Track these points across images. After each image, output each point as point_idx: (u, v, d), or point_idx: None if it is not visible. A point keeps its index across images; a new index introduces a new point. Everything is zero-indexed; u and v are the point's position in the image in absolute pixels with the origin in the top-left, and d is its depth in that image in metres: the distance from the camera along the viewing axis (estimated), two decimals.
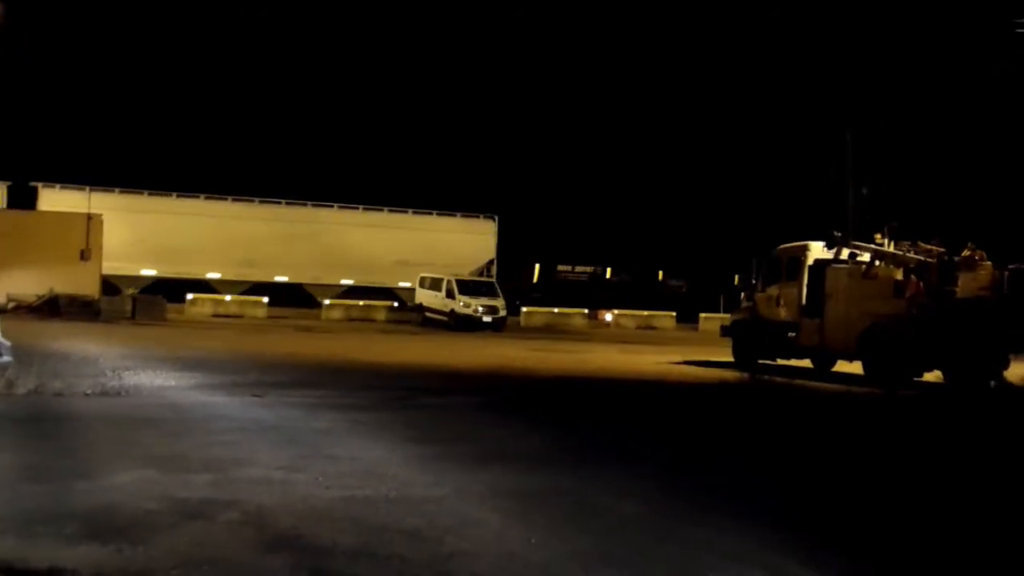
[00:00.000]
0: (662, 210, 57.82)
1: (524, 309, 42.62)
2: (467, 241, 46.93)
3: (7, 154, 42.90)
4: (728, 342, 23.79)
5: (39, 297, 31.59)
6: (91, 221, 33.89)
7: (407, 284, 43.85)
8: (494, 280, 38.05)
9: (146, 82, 56.00)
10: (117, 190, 41.58)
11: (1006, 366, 18.44)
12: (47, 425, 9.92)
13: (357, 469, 8.10)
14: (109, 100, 54.04)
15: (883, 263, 19.78)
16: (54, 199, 39.51)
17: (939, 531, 7.15)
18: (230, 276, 42.87)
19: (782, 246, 22.96)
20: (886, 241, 20.15)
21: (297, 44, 59.50)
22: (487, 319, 35.22)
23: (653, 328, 43.39)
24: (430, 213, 47.76)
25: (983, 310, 18.11)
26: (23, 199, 39.95)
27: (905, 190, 40.50)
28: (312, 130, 58.20)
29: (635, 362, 22.80)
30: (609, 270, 57.18)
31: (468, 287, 36.58)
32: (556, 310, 44.19)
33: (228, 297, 38.93)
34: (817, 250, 21.17)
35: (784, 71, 53.32)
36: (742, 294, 24.22)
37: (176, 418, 10.66)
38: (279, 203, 45.27)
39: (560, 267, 54.89)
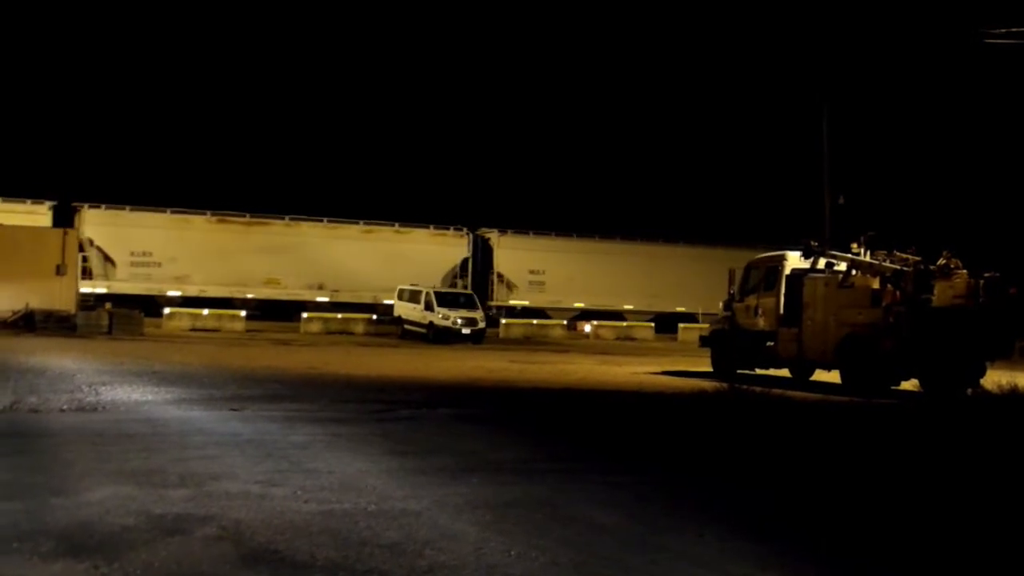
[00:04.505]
0: None
1: (503, 321, 42.63)
2: None
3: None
4: (706, 353, 23.87)
5: (15, 312, 31.33)
6: (67, 236, 33.68)
7: None
8: (472, 292, 38.06)
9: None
10: (552, 234, 48.33)
11: (982, 374, 18.58)
12: (23, 441, 9.84)
13: (335, 483, 8.08)
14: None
15: (860, 272, 19.89)
16: (506, 243, 47.01)
17: (920, 541, 7.19)
18: (641, 307, 47.25)
19: (759, 256, 23.10)
20: (862, 250, 20.27)
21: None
22: (466, 331, 35.15)
23: (632, 339, 43.44)
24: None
25: (959, 318, 18.25)
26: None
27: (881, 199, 40.81)
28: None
29: (614, 373, 22.84)
30: None
31: (446, 299, 36.50)
32: (535, 322, 44.24)
33: (206, 311, 38.76)
34: (794, 260, 21.28)
35: (773, 74, 54.34)
36: (720, 304, 24.31)
37: (153, 433, 10.59)
38: (677, 243, 49.47)
39: None
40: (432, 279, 43.63)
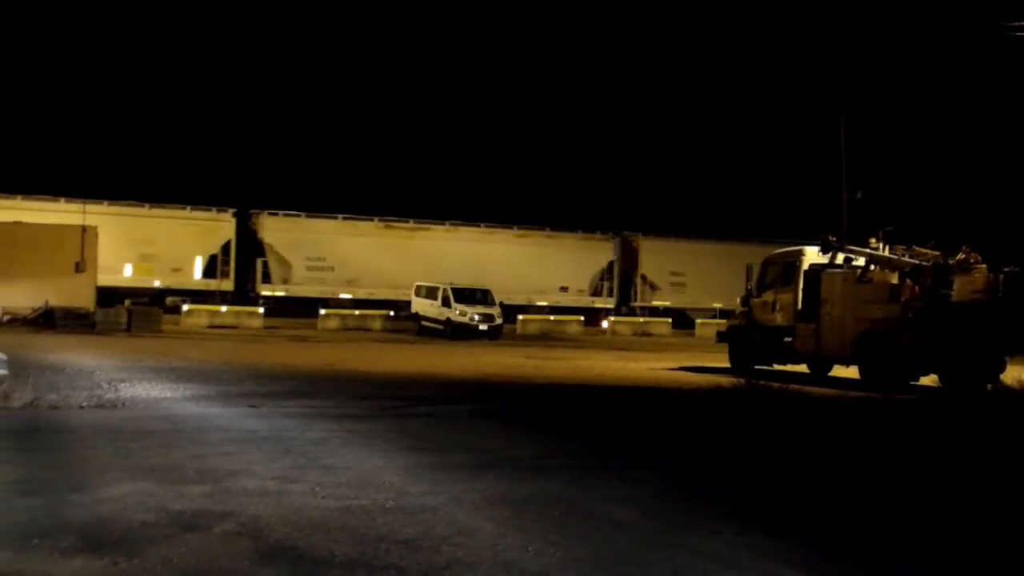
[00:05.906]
0: None
1: (520, 317, 42.57)
2: None
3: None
4: (724, 348, 23.81)
5: (34, 309, 31.51)
6: (86, 233, 33.76)
7: None
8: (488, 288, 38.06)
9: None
10: (692, 236, 49.92)
11: (1002, 369, 18.45)
12: (43, 438, 9.90)
13: (353, 479, 8.09)
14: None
15: (878, 267, 19.79)
16: (650, 246, 49.01)
17: (938, 537, 7.15)
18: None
19: (777, 251, 23.02)
20: (881, 245, 20.17)
21: None
22: (483, 327, 35.12)
23: (649, 335, 43.34)
24: None
25: (979, 313, 18.14)
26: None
27: (900, 193, 40.56)
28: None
29: (631, 369, 22.81)
30: None
31: (463, 295, 36.46)
32: (552, 317, 44.20)
33: (224, 308, 38.93)
34: (812, 255, 21.20)
35: (783, 70, 54.09)
36: (738, 299, 24.25)
37: (171, 429, 10.64)
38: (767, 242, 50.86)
39: None
40: (581, 281, 46.95)
